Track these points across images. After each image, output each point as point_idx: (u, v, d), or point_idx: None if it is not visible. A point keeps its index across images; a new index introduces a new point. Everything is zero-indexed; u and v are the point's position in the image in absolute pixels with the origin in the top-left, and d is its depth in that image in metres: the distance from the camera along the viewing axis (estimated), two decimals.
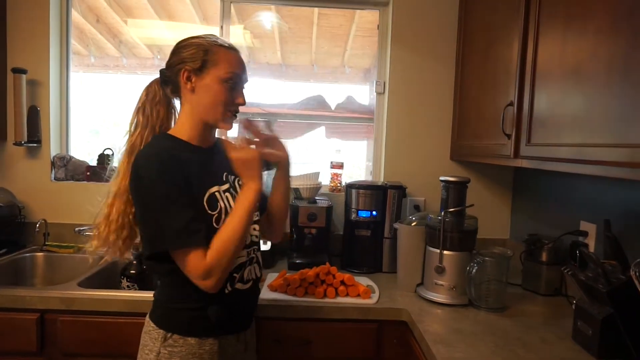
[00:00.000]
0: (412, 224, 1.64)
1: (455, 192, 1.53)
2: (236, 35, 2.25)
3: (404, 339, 1.44)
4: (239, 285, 1.13)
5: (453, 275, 1.48)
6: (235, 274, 1.11)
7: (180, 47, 1.12)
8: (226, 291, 1.10)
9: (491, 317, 1.40)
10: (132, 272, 1.66)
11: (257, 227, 1.21)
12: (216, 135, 1.25)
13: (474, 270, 1.43)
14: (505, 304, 1.48)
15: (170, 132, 1.15)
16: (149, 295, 1.43)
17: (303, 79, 2.43)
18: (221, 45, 1.11)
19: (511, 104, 1.41)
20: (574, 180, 1.62)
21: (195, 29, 2.31)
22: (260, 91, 2.33)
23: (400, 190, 1.86)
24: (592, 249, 1.47)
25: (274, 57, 2.42)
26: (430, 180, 2.01)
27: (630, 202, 1.35)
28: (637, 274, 1.05)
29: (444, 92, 2.06)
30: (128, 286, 1.66)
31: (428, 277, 1.55)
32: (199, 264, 0.99)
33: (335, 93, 2.40)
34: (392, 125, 2.09)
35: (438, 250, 1.50)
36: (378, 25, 2.16)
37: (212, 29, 2.24)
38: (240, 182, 1.19)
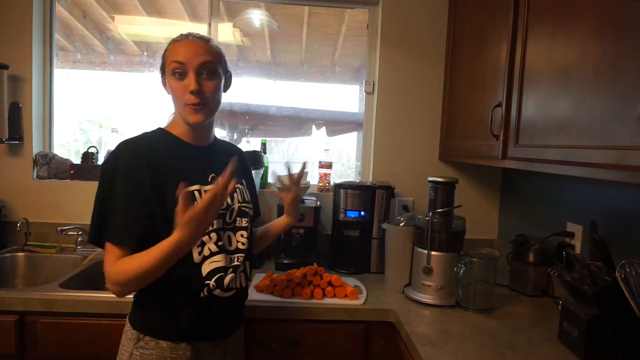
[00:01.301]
0: (400, 225, 1.63)
1: (443, 192, 1.52)
2: (225, 33, 2.22)
3: (392, 340, 1.43)
4: (217, 292, 1.07)
5: (441, 276, 1.48)
6: (207, 281, 1.06)
7: None
8: (202, 295, 1.06)
9: (478, 318, 1.40)
10: None
11: (245, 233, 1.17)
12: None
13: (461, 271, 1.43)
14: (493, 305, 1.48)
15: (166, 127, 1.16)
16: (131, 296, 1.40)
17: (293, 77, 2.41)
18: (172, 41, 1.10)
19: (499, 105, 1.41)
20: (561, 182, 1.63)
21: (184, 26, 2.28)
22: (250, 90, 2.31)
23: (389, 190, 1.85)
24: (578, 250, 1.48)
25: (264, 55, 2.39)
26: (419, 180, 2.02)
27: (616, 204, 1.36)
28: (622, 275, 1.05)
29: (433, 92, 2.06)
30: None
31: (416, 278, 1.54)
32: (108, 266, 0.98)
33: (324, 93, 2.39)
34: (381, 125, 2.08)
35: (426, 251, 1.49)
36: (368, 25, 2.15)
37: (200, 27, 2.21)
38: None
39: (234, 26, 2.26)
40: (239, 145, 2.29)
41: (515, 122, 1.33)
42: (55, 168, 2.03)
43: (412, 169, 2.08)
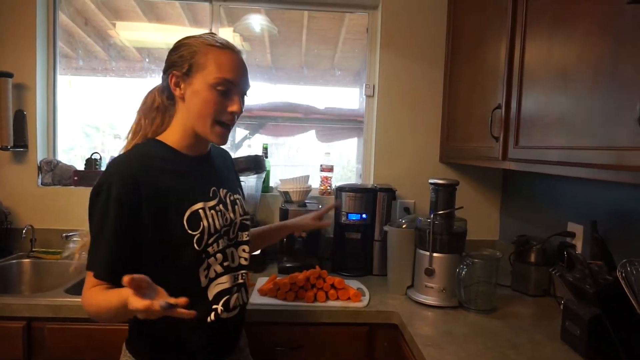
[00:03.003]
0: (402, 227, 1.64)
1: (445, 194, 1.54)
2: (227, 39, 2.23)
3: (395, 342, 1.44)
4: (224, 315, 1.03)
5: (443, 278, 1.49)
6: (215, 305, 1.02)
7: (172, 48, 1.04)
8: (209, 320, 1.01)
9: (481, 319, 1.41)
10: None
11: (246, 248, 1.13)
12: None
13: (463, 272, 1.44)
14: (495, 306, 1.49)
15: (160, 137, 1.05)
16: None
17: (293, 81, 2.42)
18: (212, 45, 0.99)
19: (499, 106, 1.42)
20: (562, 182, 1.64)
21: (184, 31, 2.30)
22: (251, 94, 2.32)
23: (390, 193, 1.86)
24: (579, 250, 1.49)
25: (264, 59, 2.41)
26: (420, 182, 2.03)
27: (616, 204, 1.37)
28: (623, 274, 1.06)
29: (433, 94, 2.07)
30: None
31: (418, 280, 1.55)
32: (83, 290, 0.93)
33: (325, 96, 2.40)
34: (382, 127, 2.09)
35: (428, 253, 1.50)
36: (367, 28, 2.17)
37: (201, 32, 2.22)
38: (232, 198, 1.10)
39: (235, 31, 2.28)
40: (240, 150, 2.32)
41: (515, 124, 1.33)
42: (59, 175, 2.05)
43: (413, 171, 2.09)
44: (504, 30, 1.41)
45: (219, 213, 1.04)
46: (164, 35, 2.31)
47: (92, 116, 2.31)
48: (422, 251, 1.53)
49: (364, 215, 1.83)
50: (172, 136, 1.05)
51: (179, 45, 1.02)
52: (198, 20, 2.29)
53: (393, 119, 2.09)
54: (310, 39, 2.36)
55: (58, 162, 2.06)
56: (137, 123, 1.08)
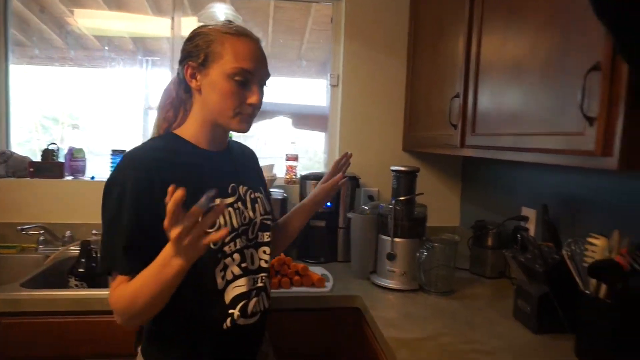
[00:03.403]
0: (365, 214, 1.67)
1: (406, 181, 1.57)
2: (189, 28, 2.19)
3: (358, 325, 1.47)
4: (241, 321, 0.98)
5: (404, 262, 1.53)
6: (232, 310, 0.97)
7: (187, 38, 1.00)
8: (224, 327, 0.96)
9: (440, 301, 1.46)
10: (80, 270, 1.61)
11: (267, 249, 1.07)
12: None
13: (423, 257, 1.48)
14: (454, 288, 1.54)
15: (177, 131, 1.03)
16: (98, 292, 1.39)
17: None
18: (228, 33, 0.95)
19: (457, 95, 1.47)
20: (517, 169, 1.71)
21: (146, 20, 2.25)
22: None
23: (354, 180, 1.89)
24: (532, 232, 1.56)
25: None
26: (384, 170, 2.05)
27: (565, 188, 1.44)
28: (569, 253, 1.12)
29: (397, 84, 2.11)
30: (76, 285, 1.60)
31: (380, 265, 1.59)
32: (110, 291, 0.89)
33: (292, 86, 2.40)
34: (346, 117, 2.12)
35: (389, 238, 1.54)
36: (332, 19, 2.18)
37: (163, 21, 2.18)
38: (252, 196, 1.06)
39: (199, 20, 2.24)
40: None
41: (472, 112, 1.38)
42: (13, 166, 1.97)
43: (377, 159, 2.12)
44: (462, 22, 1.45)
45: (237, 211, 1.01)
46: (125, 24, 2.25)
47: (50, 107, 2.23)
48: (384, 237, 1.57)
49: (328, 203, 1.85)
50: (190, 129, 1.02)
51: (194, 35, 0.99)
52: (160, 9, 2.24)
53: (357, 109, 2.11)
54: (276, 29, 2.35)
55: (12, 154, 1.98)
56: (157, 118, 1.06)
